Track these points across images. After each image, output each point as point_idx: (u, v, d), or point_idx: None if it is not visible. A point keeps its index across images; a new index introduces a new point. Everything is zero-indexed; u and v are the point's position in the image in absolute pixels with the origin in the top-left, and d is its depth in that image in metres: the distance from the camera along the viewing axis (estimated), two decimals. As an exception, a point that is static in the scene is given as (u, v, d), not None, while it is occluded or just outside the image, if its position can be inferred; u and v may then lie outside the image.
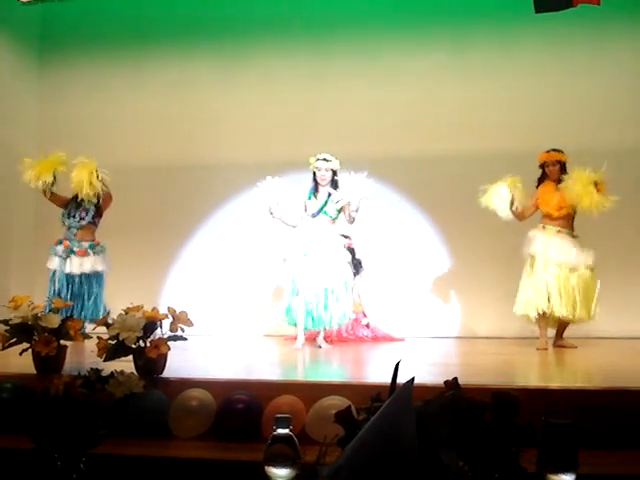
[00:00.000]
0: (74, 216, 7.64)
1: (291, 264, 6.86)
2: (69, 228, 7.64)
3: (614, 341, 7.38)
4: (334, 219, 6.92)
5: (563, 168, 6.94)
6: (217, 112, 9.10)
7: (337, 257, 6.86)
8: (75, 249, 7.55)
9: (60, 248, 7.57)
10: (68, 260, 7.53)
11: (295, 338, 6.90)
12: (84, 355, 5.43)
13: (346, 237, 8.04)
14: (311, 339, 7.00)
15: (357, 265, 8.04)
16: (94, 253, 7.60)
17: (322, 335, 6.93)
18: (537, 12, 6.22)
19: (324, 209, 6.87)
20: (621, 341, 7.41)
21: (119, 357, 4.29)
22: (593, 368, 5.73)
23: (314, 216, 6.89)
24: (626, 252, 8.09)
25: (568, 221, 6.92)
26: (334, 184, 6.89)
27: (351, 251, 8.02)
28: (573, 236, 6.90)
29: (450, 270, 8.58)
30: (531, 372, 5.60)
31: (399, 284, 8.61)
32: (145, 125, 9.18)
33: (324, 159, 6.90)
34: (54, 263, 7.56)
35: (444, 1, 8.66)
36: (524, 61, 8.52)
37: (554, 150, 6.96)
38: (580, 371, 5.66)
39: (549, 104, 8.35)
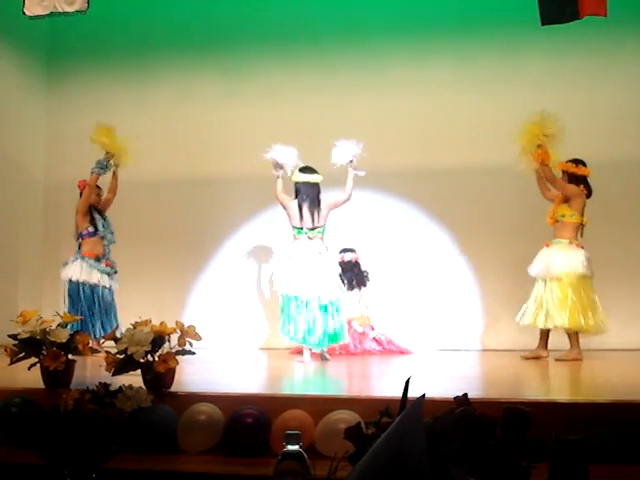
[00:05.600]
0: (107, 227, 7.61)
1: (281, 280, 6.86)
2: (104, 239, 7.54)
3: (624, 353, 7.34)
4: (322, 233, 6.93)
5: (577, 179, 6.92)
6: (223, 125, 9.10)
7: (328, 272, 6.84)
8: (115, 268, 7.61)
9: (102, 267, 7.47)
10: (111, 277, 7.54)
11: (300, 351, 6.91)
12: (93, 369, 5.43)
13: (352, 250, 8.06)
14: (316, 354, 6.95)
15: (363, 278, 8.05)
16: None
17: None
18: (543, 24, 6.20)
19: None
20: (631, 353, 7.37)
21: (127, 371, 4.30)
22: (603, 381, 5.70)
23: (304, 232, 6.90)
24: (633, 263, 8.07)
25: (566, 231, 6.90)
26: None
27: (356, 264, 8.05)
28: (569, 245, 6.87)
29: (462, 282, 8.55)
30: (542, 385, 5.58)
31: (411, 296, 8.56)
32: (152, 138, 9.17)
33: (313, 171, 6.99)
34: (96, 277, 7.42)
35: (449, 13, 8.66)
36: (530, 72, 8.52)
37: (572, 160, 6.98)
38: (590, 384, 5.64)
39: (555, 115, 8.35)
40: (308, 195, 6.90)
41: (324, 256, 6.89)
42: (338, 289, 6.91)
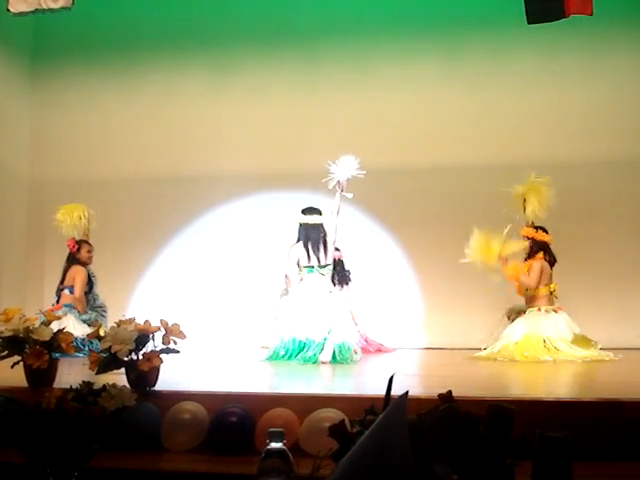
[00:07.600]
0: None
1: (284, 320, 6.77)
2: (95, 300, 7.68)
3: (608, 352, 7.35)
4: (328, 273, 6.94)
5: (537, 245, 6.92)
6: (209, 123, 9.08)
7: (341, 310, 6.81)
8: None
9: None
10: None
11: None
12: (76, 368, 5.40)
13: (336, 249, 8.05)
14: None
15: (346, 276, 8.05)
16: None
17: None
18: (530, 23, 6.21)
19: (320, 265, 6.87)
20: (615, 352, 7.38)
21: (111, 370, 4.27)
22: (588, 379, 5.71)
23: (316, 270, 6.87)
24: (619, 262, 8.10)
25: (538, 301, 6.90)
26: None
27: (340, 262, 8.05)
28: (545, 314, 6.85)
29: (442, 281, 8.54)
30: (525, 383, 5.58)
31: (389, 296, 8.58)
32: (136, 136, 9.16)
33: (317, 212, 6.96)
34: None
35: (438, 12, 8.66)
36: (518, 72, 8.53)
37: (533, 226, 6.98)
38: (575, 382, 5.65)
39: (543, 114, 8.37)
40: (311, 235, 6.87)
41: (334, 294, 6.94)
42: (351, 325, 6.89)
